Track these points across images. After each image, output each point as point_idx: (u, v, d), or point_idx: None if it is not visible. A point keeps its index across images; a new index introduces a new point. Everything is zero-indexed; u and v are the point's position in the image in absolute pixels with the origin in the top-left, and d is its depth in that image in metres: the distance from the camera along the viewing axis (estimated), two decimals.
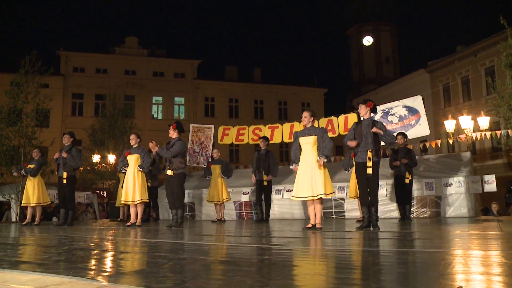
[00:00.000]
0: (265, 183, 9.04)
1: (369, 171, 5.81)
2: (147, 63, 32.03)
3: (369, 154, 5.81)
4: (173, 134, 7.49)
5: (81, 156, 9.04)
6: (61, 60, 30.31)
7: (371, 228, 5.77)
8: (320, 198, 5.96)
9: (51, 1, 78.32)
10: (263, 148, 9.26)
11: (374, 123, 5.95)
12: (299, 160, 6.13)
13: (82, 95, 30.30)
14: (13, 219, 13.64)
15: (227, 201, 9.82)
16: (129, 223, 8.02)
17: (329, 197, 6.17)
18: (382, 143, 6.24)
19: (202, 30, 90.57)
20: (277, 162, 9.67)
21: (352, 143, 5.99)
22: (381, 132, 5.82)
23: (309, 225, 6.09)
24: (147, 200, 8.27)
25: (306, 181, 5.93)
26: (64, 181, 8.60)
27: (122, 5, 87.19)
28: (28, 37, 73.21)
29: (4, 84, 18.73)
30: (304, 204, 8.97)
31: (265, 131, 11.90)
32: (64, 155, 8.53)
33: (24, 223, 9.49)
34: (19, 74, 14.48)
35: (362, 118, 6.11)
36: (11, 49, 66.12)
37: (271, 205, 9.47)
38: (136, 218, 7.97)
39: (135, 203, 7.88)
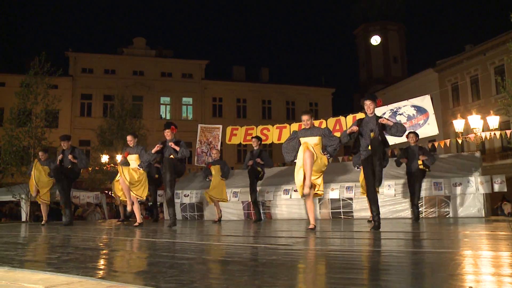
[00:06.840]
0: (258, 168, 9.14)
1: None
2: (155, 63, 32.15)
3: None
4: (171, 135, 7.62)
5: (84, 155, 9.05)
6: (69, 61, 30.53)
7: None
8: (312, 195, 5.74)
9: (59, 2, 78.96)
10: (256, 148, 9.32)
11: (378, 118, 5.60)
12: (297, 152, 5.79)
13: (91, 95, 30.48)
14: (23, 219, 13.77)
15: (224, 202, 9.85)
16: (136, 223, 8.05)
17: (318, 192, 5.81)
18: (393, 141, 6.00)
19: (209, 30, 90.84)
20: (275, 161, 9.70)
21: (354, 128, 5.61)
22: (390, 123, 5.49)
23: (311, 226, 5.79)
24: (142, 198, 8.27)
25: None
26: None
27: (130, 6, 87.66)
28: (37, 38, 73.96)
29: (14, 85, 18.93)
30: None
31: (273, 131, 11.91)
32: (71, 159, 8.55)
33: (43, 222, 9.48)
34: (29, 75, 14.63)
35: (367, 115, 5.73)
36: (21, 51, 66.81)
37: (280, 205, 9.42)
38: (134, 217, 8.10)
39: (135, 195, 7.89)
